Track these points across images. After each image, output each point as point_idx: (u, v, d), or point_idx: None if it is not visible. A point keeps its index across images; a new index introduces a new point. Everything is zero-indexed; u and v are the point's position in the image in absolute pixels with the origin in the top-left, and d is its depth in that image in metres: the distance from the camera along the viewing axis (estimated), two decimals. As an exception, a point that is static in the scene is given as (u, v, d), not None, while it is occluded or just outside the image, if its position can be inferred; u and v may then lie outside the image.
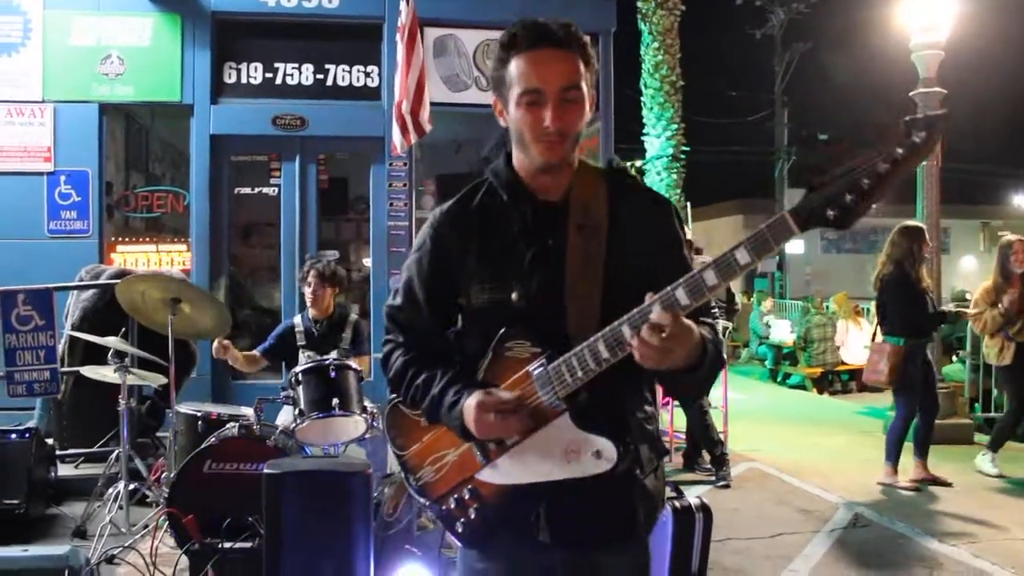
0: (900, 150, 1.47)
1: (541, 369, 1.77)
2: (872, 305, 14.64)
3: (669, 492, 3.81)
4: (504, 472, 1.85)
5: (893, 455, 6.54)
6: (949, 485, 6.52)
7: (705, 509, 3.58)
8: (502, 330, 1.83)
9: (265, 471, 3.69)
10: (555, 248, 1.84)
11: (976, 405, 9.07)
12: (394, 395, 2.07)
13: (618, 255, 1.83)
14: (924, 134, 1.47)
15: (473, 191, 1.98)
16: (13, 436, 5.31)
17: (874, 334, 6.81)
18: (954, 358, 10.11)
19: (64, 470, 5.99)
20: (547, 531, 1.84)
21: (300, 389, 4.65)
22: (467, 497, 1.90)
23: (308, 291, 5.50)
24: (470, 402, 1.79)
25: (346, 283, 5.73)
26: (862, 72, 24.99)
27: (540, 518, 1.84)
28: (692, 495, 3.93)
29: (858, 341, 13.29)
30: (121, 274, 6.57)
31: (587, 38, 1.86)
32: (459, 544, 1.98)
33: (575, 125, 1.82)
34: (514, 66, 1.81)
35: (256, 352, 5.54)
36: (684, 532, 3.45)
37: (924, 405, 6.46)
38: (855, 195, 1.50)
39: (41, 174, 7.63)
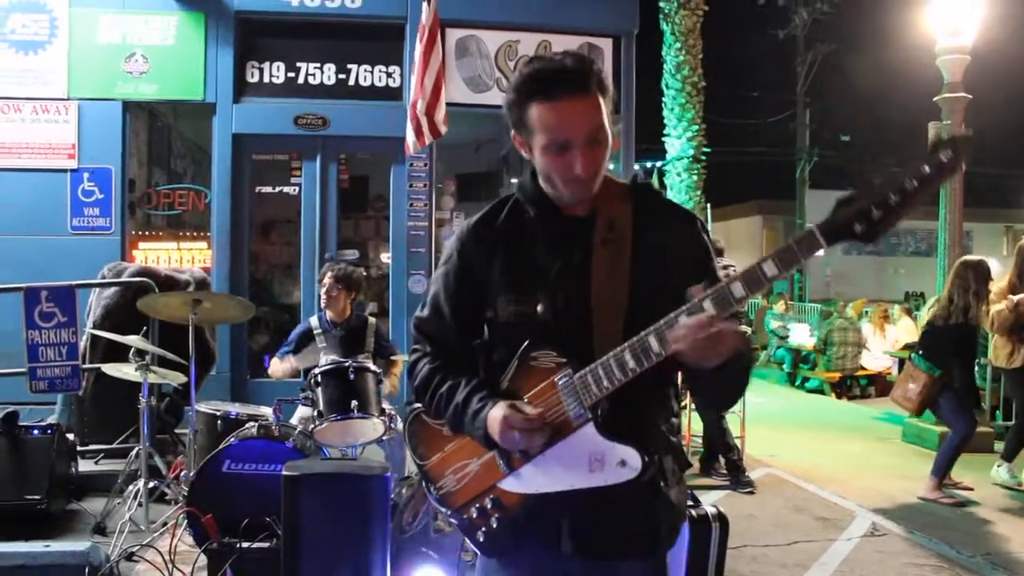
0: (927, 168, 1.51)
1: (567, 379, 1.79)
2: (897, 309, 14.59)
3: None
4: (527, 481, 1.86)
5: (940, 470, 6.38)
6: (971, 489, 6.52)
7: (722, 518, 3.57)
8: (527, 340, 1.85)
9: (284, 473, 3.72)
10: (581, 262, 1.86)
11: (997, 413, 8.98)
12: (417, 404, 2.08)
13: (644, 268, 1.84)
14: (951, 153, 1.51)
15: (500, 205, 2.01)
16: (35, 432, 5.35)
17: (909, 356, 6.70)
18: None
19: (85, 466, 6.05)
20: (570, 542, 1.86)
21: (319, 391, 4.68)
22: (489, 506, 1.91)
23: (323, 292, 5.52)
24: (495, 414, 1.81)
25: (363, 287, 5.74)
26: (885, 75, 24.74)
27: (563, 528, 1.86)
28: (709, 503, 3.92)
29: (879, 348, 13.20)
30: (143, 272, 6.64)
31: (599, 65, 1.85)
32: (479, 553, 2.00)
33: (602, 163, 1.85)
34: (535, 114, 1.80)
35: (278, 360, 5.56)
36: (700, 541, 3.43)
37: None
38: (883, 210, 1.54)
39: (65, 171, 7.70)
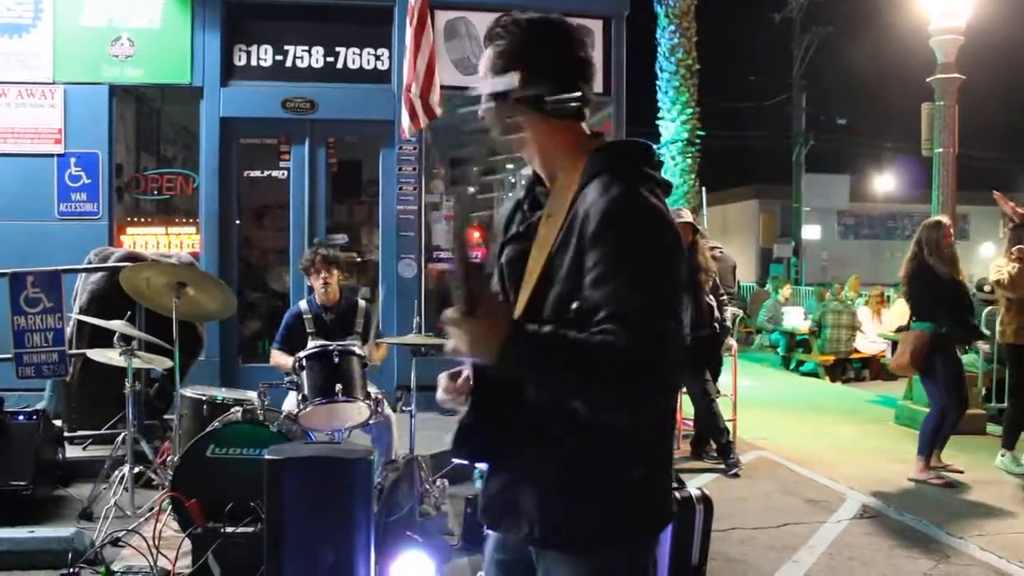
0: None
1: None
2: (892, 292, 14.56)
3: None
4: None
5: (925, 449, 6.36)
6: (961, 472, 6.50)
7: (706, 500, 3.53)
8: None
9: (266, 457, 3.69)
10: (524, 235, 1.86)
11: (991, 395, 8.97)
12: None
13: (562, 246, 1.74)
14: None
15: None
16: (21, 417, 5.32)
17: (908, 325, 6.70)
18: (968, 348, 9.99)
19: (72, 452, 6.03)
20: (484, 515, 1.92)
21: (304, 374, 4.66)
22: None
23: (318, 279, 5.44)
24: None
25: (342, 261, 5.70)
26: (881, 57, 24.66)
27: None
28: (695, 485, 3.90)
29: (874, 331, 13.18)
30: (130, 257, 6.60)
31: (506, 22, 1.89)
32: None
33: (485, 115, 1.88)
34: None
35: (280, 354, 5.51)
36: (684, 524, 3.40)
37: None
38: None
39: (51, 156, 7.65)
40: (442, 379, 1.90)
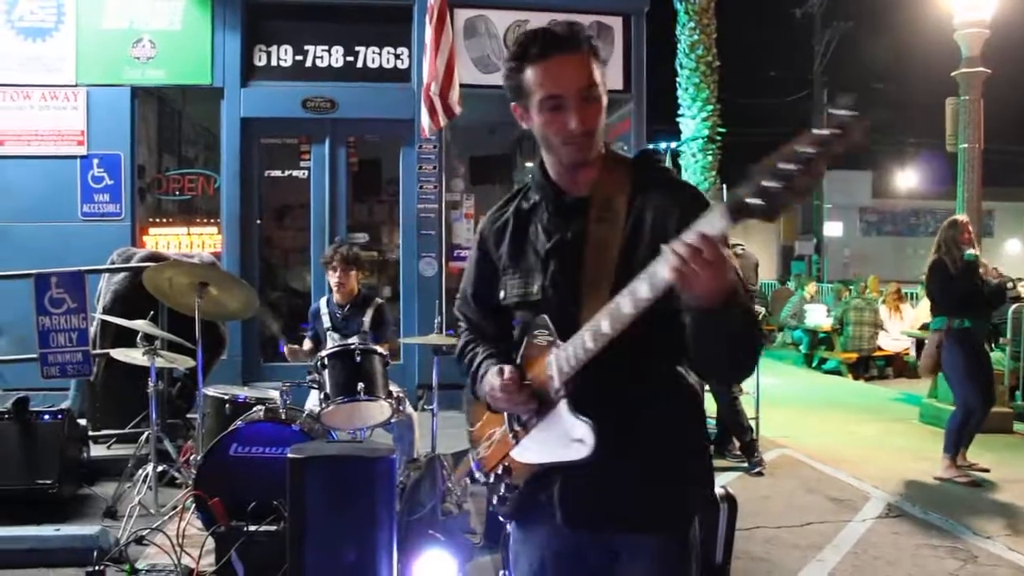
0: (826, 131, 1.43)
1: (552, 356, 1.84)
2: (918, 290, 14.43)
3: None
4: (526, 451, 1.94)
5: (951, 448, 6.28)
6: (987, 471, 6.41)
7: (730, 499, 3.49)
8: (534, 319, 1.92)
9: (289, 455, 3.70)
10: (573, 240, 1.90)
11: (1016, 393, 8.86)
12: None
13: (634, 243, 1.83)
14: (851, 115, 1.42)
15: (516, 194, 2.10)
16: (46, 417, 5.37)
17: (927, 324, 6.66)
18: (994, 345, 9.87)
19: (97, 451, 6.08)
20: (560, 512, 1.91)
21: (326, 373, 4.66)
22: (501, 472, 2.01)
23: (334, 277, 5.50)
24: (488, 377, 1.95)
25: (361, 259, 5.73)
26: (904, 52, 24.39)
27: (553, 499, 1.91)
28: (718, 484, 3.86)
29: (895, 328, 13.05)
30: (152, 257, 6.64)
31: (592, 33, 1.91)
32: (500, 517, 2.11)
33: (596, 122, 1.86)
34: (530, 76, 1.85)
35: (309, 342, 5.60)
36: (707, 523, 3.38)
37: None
38: (780, 181, 1.43)
39: (74, 158, 7.73)
40: (493, 375, 1.91)
